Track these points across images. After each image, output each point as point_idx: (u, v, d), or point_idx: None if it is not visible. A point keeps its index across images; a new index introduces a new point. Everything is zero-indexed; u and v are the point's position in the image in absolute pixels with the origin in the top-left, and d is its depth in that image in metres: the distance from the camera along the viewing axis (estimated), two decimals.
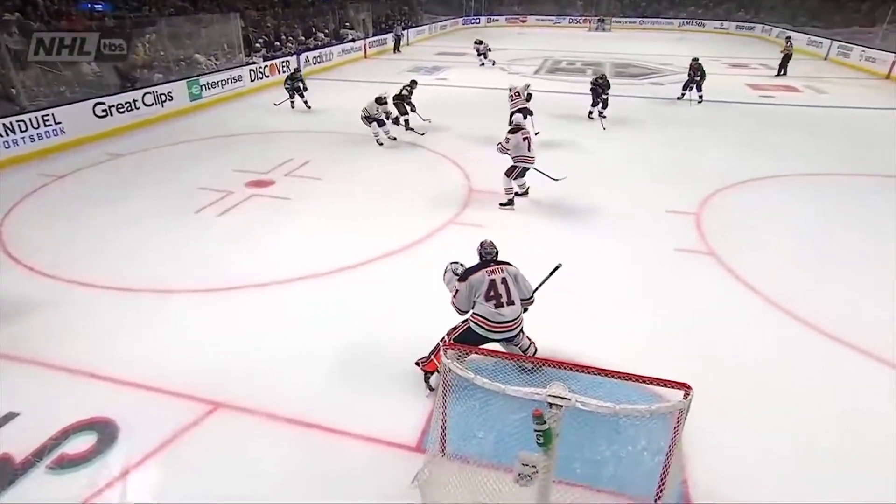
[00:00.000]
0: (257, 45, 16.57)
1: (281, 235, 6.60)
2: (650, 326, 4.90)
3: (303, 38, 19.42)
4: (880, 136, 11.15)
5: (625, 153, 9.86)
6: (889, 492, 3.37)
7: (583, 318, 4.96)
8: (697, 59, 13.35)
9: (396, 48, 23.42)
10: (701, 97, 13.48)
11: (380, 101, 9.73)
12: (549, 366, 3.17)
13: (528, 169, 7.27)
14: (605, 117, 11.58)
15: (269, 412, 3.87)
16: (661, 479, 2.99)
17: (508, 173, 7.19)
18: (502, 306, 3.72)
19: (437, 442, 3.36)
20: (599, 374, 3.10)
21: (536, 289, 4.02)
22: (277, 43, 17.73)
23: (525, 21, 36.03)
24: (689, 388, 2.75)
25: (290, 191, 7.95)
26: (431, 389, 3.99)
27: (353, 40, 21.07)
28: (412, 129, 10.78)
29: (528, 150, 7.06)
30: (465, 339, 3.79)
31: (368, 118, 9.80)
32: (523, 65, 19.78)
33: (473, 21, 35.25)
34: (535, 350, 3.98)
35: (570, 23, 35.27)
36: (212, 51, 14.75)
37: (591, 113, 11.95)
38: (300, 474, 3.42)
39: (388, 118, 10.00)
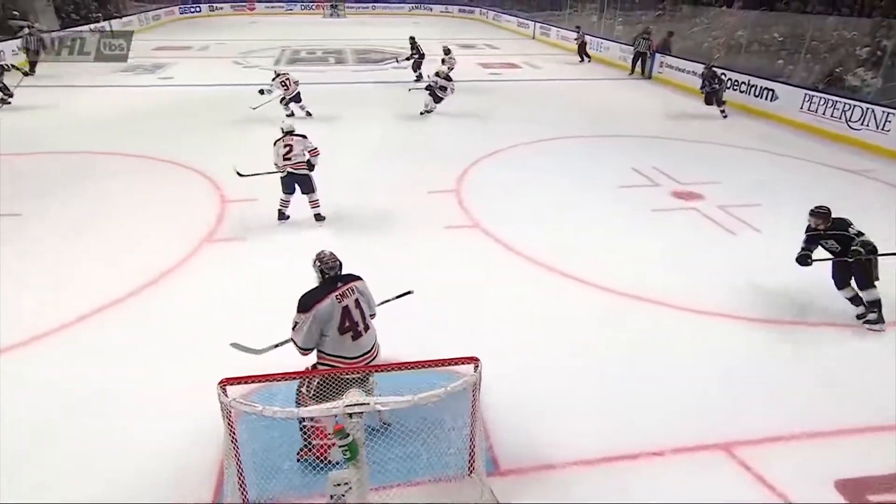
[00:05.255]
0: None
1: None
2: (435, 308, 4.78)
3: None
4: (578, 102, 13.42)
5: (377, 137, 10.03)
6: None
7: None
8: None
9: (32, 70, 13.62)
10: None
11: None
12: (345, 373, 3.01)
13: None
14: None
15: None
16: (470, 452, 3.10)
17: None
18: (360, 336, 3.14)
19: (235, 491, 2.95)
20: (393, 369, 3.06)
21: (381, 304, 3.54)
22: None
23: (254, 9, 33.90)
24: (477, 360, 2.86)
25: None
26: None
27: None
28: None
29: None
30: (322, 393, 2.90)
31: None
32: (259, 56, 18.64)
33: (193, 10, 31.63)
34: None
35: (302, 9, 34.36)
36: None
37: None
38: None
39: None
